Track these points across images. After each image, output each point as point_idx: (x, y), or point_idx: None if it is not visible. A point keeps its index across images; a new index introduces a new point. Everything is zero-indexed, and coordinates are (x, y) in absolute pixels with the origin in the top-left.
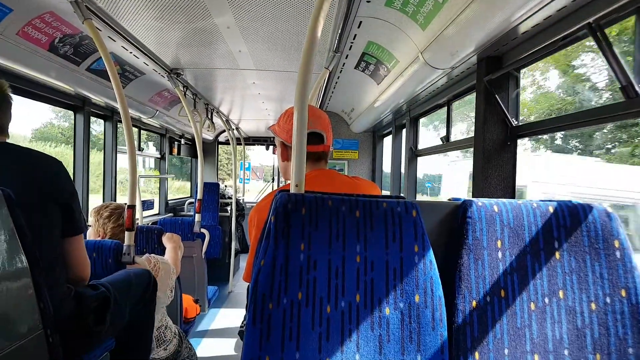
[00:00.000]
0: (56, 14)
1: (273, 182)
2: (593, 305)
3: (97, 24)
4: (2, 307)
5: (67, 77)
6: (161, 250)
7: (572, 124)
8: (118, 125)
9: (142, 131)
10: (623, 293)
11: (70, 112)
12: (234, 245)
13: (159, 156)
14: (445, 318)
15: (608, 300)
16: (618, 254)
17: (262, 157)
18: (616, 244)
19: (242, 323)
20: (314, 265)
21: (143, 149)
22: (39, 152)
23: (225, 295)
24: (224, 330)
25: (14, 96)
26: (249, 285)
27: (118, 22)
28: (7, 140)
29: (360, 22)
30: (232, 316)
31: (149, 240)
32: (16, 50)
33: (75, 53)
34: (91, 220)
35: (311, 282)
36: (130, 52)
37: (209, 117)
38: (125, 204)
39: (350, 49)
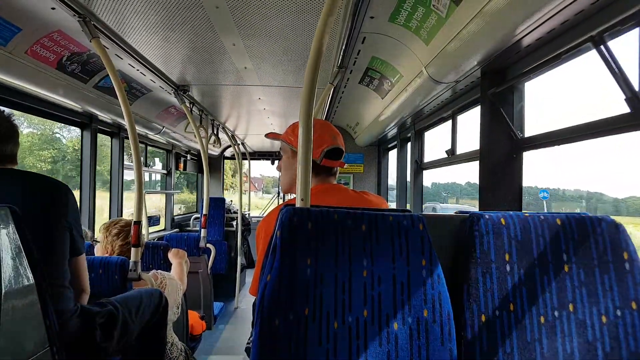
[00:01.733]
0: (64, 32)
1: (278, 196)
2: (604, 319)
3: (104, 42)
4: (8, 324)
5: (74, 95)
6: (167, 266)
7: (578, 136)
8: (125, 142)
9: (148, 147)
10: (634, 305)
11: (31, 117)
12: (239, 260)
13: (165, 172)
14: (455, 333)
15: (619, 313)
16: (627, 265)
17: (263, 168)
18: (625, 255)
19: (249, 340)
20: (321, 280)
21: (150, 165)
22: (50, 178)
23: (232, 312)
24: (231, 347)
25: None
26: (254, 301)
27: (125, 40)
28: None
29: (364, 37)
30: (238, 332)
31: (155, 256)
32: (25, 69)
33: (83, 71)
34: (100, 236)
35: (318, 297)
36: (137, 70)
37: (215, 132)
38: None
39: (354, 64)
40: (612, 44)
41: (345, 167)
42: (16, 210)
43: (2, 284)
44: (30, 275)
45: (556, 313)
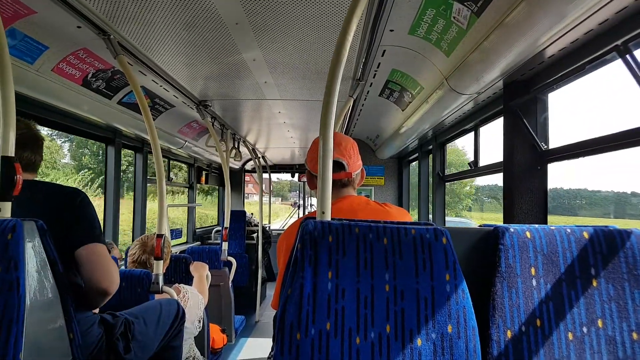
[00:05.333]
0: (89, 50)
1: (299, 208)
2: (635, 335)
3: (128, 59)
4: (34, 337)
5: (99, 111)
6: (189, 279)
7: (603, 148)
8: (148, 157)
9: (171, 161)
10: None
11: None
12: (260, 273)
13: (187, 186)
14: (480, 349)
15: None
16: None
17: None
18: None
19: (270, 354)
20: (342, 294)
21: (172, 179)
22: (65, 187)
23: (253, 325)
24: None
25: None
26: (275, 314)
27: (149, 57)
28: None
29: (384, 50)
30: (259, 346)
31: (177, 269)
32: (51, 86)
33: (108, 87)
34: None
35: (339, 311)
36: (161, 86)
37: (236, 146)
38: (155, 233)
39: (374, 77)
40: (638, 53)
41: (354, 175)
42: (42, 224)
43: (28, 297)
44: (55, 288)
45: (585, 329)
